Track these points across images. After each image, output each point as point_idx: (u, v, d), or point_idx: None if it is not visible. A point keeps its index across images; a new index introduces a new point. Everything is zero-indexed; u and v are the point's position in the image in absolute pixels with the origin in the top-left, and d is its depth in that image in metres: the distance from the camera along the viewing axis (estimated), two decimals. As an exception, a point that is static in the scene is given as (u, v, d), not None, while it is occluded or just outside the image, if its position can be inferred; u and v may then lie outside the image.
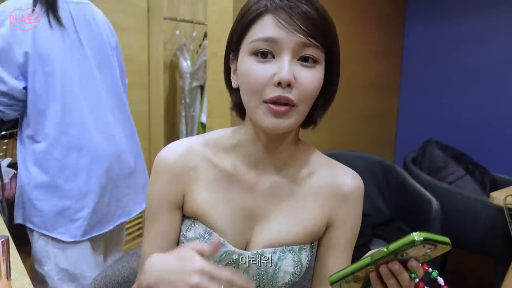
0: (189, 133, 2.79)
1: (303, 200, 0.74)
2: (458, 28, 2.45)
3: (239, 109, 0.72)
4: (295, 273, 0.72)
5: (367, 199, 0.78)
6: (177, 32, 2.77)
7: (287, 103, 0.62)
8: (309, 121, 0.71)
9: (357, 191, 0.75)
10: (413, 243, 0.49)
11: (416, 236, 0.49)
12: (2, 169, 1.24)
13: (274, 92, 0.61)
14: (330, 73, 0.67)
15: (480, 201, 1.79)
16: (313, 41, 0.61)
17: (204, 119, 2.66)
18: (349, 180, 0.75)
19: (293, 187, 0.74)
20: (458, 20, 2.45)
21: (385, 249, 0.52)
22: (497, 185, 2.08)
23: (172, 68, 2.90)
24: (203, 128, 2.71)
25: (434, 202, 1.73)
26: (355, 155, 2.18)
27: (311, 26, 0.61)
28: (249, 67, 0.63)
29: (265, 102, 0.62)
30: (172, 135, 2.83)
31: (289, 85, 0.61)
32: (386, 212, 2.15)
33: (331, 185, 0.75)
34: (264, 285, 0.72)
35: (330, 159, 0.78)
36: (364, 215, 0.78)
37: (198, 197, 0.72)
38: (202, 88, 2.78)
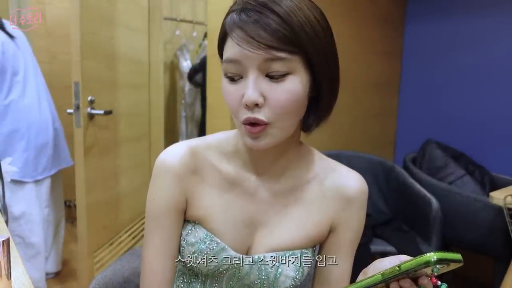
0: (189, 133, 2.79)
1: (305, 205, 0.73)
2: (458, 28, 2.45)
3: None
4: (296, 278, 0.71)
5: (367, 199, 0.77)
6: (177, 32, 2.77)
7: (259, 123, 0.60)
8: (304, 128, 0.69)
9: (361, 194, 0.74)
10: (427, 264, 0.49)
11: (430, 256, 0.48)
12: (2, 169, 1.24)
13: (245, 114, 0.60)
14: (316, 78, 0.62)
15: (480, 201, 1.79)
16: (276, 53, 0.57)
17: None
18: (353, 183, 0.74)
19: (295, 192, 0.73)
20: (458, 20, 2.45)
21: (397, 268, 0.51)
22: (496, 185, 2.08)
23: (172, 68, 2.90)
24: (203, 128, 2.71)
25: (434, 202, 1.73)
26: (355, 155, 2.18)
27: (272, 38, 0.56)
28: (224, 88, 0.63)
29: (243, 123, 0.61)
30: (172, 135, 2.83)
31: (257, 105, 0.59)
32: (386, 212, 2.15)
33: (334, 189, 0.73)
34: None
35: (333, 161, 0.77)
36: (364, 215, 0.78)
37: (200, 201, 0.71)
38: (202, 88, 2.78)
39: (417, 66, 2.68)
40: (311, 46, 0.59)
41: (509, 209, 1.60)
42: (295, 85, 0.59)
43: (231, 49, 0.60)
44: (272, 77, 0.59)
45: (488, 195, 1.75)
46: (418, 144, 2.35)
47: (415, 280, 0.53)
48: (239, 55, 0.59)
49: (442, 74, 2.55)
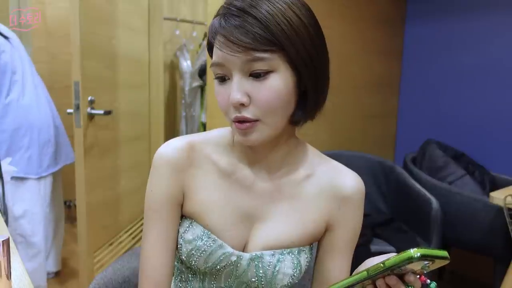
0: (189, 133, 2.79)
1: (302, 202, 0.73)
2: (458, 28, 2.45)
3: None
4: (294, 275, 0.72)
5: (367, 199, 0.77)
6: (177, 32, 2.77)
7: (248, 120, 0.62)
8: (292, 122, 0.68)
9: (358, 193, 0.74)
10: (410, 260, 0.49)
11: (414, 252, 0.49)
12: (2, 168, 1.24)
13: (234, 113, 0.63)
14: (302, 74, 0.63)
15: (480, 201, 1.79)
16: (256, 54, 0.59)
17: (204, 119, 2.66)
18: (350, 182, 0.74)
19: (291, 188, 0.73)
20: (458, 20, 2.45)
21: (381, 264, 0.52)
22: (497, 185, 2.08)
23: (172, 68, 2.91)
24: (203, 128, 2.71)
25: (434, 202, 1.73)
26: (355, 155, 2.18)
27: (250, 40, 0.59)
28: (215, 89, 0.66)
29: (233, 121, 0.64)
30: (172, 135, 2.83)
31: (242, 104, 0.62)
32: (386, 212, 2.15)
33: (331, 187, 0.74)
34: (262, 287, 0.72)
35: (329, 159, 0.77)
36: (364, 215, 0.77)
37: (197, 196, 0.72)
38: (202, 88, 2.78)
39: (417, 66, 2.68)
40: (290, 45, 0.60)
41: (509, 209, 1.60)
42: (277, 83, 0.61)
43: (216, 53, 0.63)
44: (256, 76, 0.61)
45: (488, 195, 1.75)
46: (418, 144, 2.35)
47: (402, 277, 0.54)
48: (222, 59, 0.62)
49: (442, 74, 2.55)
